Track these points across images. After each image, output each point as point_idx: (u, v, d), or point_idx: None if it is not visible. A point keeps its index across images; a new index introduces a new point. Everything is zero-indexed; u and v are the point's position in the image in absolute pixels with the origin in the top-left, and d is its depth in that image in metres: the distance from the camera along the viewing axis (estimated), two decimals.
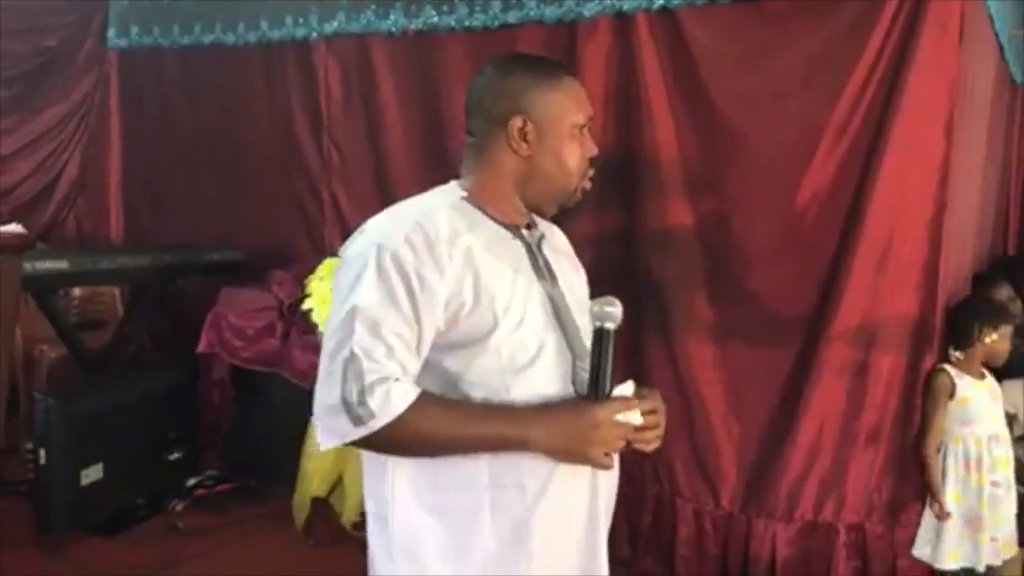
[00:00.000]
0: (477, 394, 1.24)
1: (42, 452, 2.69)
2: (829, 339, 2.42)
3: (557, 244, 1.45)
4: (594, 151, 1.37)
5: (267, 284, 3.29)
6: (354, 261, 1.24)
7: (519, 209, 1.36)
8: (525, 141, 1.32)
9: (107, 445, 2.86)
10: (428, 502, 1.25)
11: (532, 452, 1.21)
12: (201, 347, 3.23)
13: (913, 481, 2.39)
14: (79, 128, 4.03)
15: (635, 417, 1.24)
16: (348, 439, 1.17)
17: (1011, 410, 2.64)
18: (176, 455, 3.17)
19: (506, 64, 1.38)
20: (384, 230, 1.25)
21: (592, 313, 1.24)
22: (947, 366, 2.38)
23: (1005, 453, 2.41)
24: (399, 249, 1.20)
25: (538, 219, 1.41)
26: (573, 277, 1.42)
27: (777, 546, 2.50)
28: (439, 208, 1.27)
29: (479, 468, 1.23)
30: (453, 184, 1.35)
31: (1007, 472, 2.40)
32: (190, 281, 3.61)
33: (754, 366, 2.57)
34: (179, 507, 3.08)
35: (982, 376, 2.43)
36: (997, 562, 2.37)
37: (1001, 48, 3.22)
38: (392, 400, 1.16)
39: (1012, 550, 2.40)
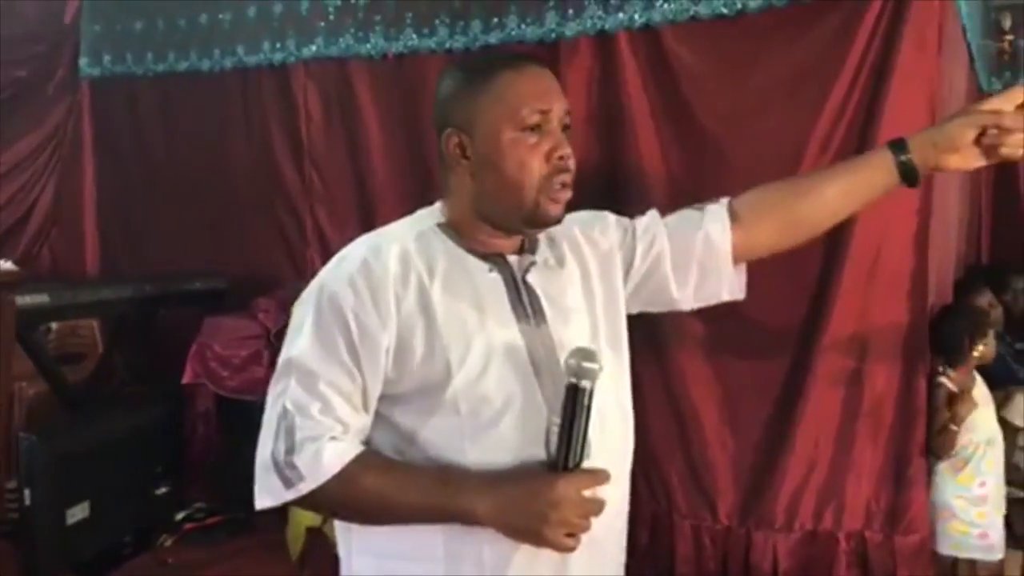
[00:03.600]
0: (431, 455, 1.10)
1: (27, 492, 2.62)
2: (821, 350, 2.44)
3: (557, 261, 1.24)
4: (562, 150, 1.14)
5: (251, 312, 3.25)
6: (302, 303, 1.15)
7: (497, 233, 1.19)
8: (465, 157, 1.16)
9: (93, 483, 2.79)
10: (387, 570, 1.14)
11: (483, 527, 1.07)
12: (186, 378, 3.17)
13: (911, 489, 2.40)
14: (52, 159, 3.95)
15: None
16: (281, 500, 1.08)
17: (1019, 423, 2.69)
18: (163, 490, 3.11)
19: (447, 71, 1.23)
20: (334, 268, 1.15)
21: (567, 367, 1.07)
22: (943, 379, 2.41)
23: (996, 456, 2.47)
24: (339, 291, 1.09)
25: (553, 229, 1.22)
26: (572, 308, 1.22)
27: (778, 557, 2.50)
28: (397, 241, 1.14)
29: (435, 538, 1.10)
30: (437, 206, 1.23)
31: (993, 472, 2.45)
32: (171, 311, 3.56)
33: (747, 379, 2.58)
34: (168, 542, 3.01)
35: (973, 380, 2.47)
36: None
37: (971, 56, 3.28)
38: (322, 461, 1.05)
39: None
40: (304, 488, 1.06)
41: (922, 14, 2.31)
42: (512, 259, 1.20)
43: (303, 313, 1.13)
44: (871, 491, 2.44)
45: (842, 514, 2.46)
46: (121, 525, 2.98)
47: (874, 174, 1.28)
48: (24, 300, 2.81)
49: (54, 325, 3.58)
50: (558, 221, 1.19)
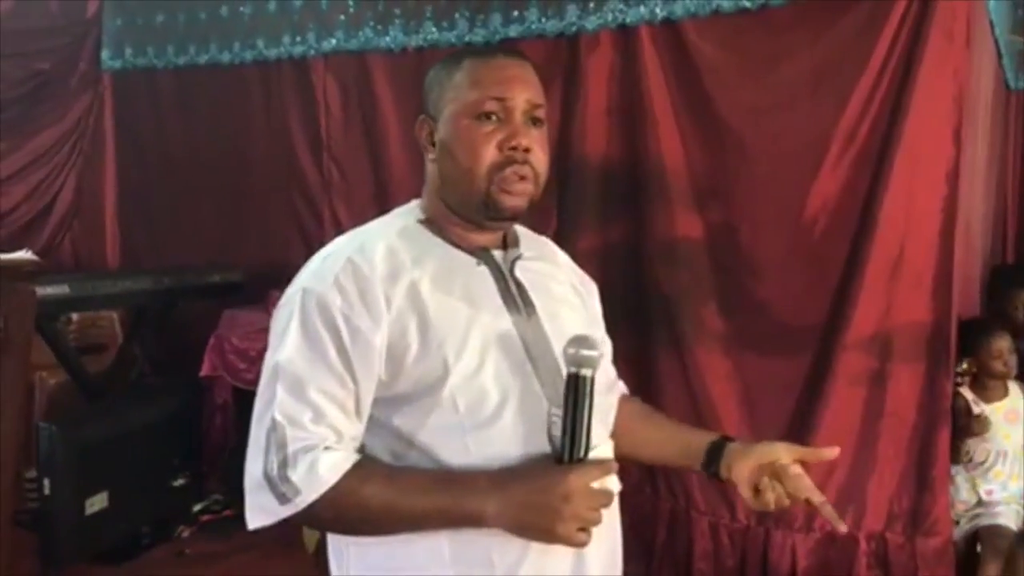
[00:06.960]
0: (432, 456, 1.06)
1: (46, 482, 2.64)
2: (843, 348, 2.41)
3: (543, 262, 1.24)
4: (516, 140, 1.09)
5: (269, 304, 3.26)
6: (282, 308, 1.09)
7: (470, 226, 1.16)
8: (432, 143, 1.16)
9: (112, 473, 2.81)
10: None
11: (491, 529, 1.02)
12: (204, 370, 3.19)
13: (934, 491, 2.37)
14: (74, 151, 3.98)
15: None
16: (276, 517, 1.03)
17: None
18: (181, 481, 3.12)
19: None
20: (315, 269, 1.10)
21: (566, 357, 1.04)
22: (962, 390, 2.42)
23: (1006, 470, 2.47)
24: (326, 293, 1.05)
25: (527, 233, 1.25)
26: (561, 301, 1.21)
27: (797, 557, 2.48)
28: (382, 239, 1.11)
29: (440, 544, 1.05)
30: (414, 204, 1.21)
31: (1000, 483, 2.48)
32: (190, 303, 3.57)
33: (767, 376, 2.56)
34: (185, 533, 3.03)
35: (1004, 394, 2.48)
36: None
37: (998, 53, 3.23)
38: (319, 473, 1.00)
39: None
40: (301, 503, 1.01)
41: (950, 8, 2.28)
42: (496, 253, 1.18)
43: (285, 318, 1.07)
44: (893, 492, 2.41)
45: (863, 515, 2.43)
46: (139, 515, 2.99)
47: (685, 456, 1.29)
48: (45, 291, 2.83)
49: (75, 316, 3.61)
50: (516, 215, 1.14)
